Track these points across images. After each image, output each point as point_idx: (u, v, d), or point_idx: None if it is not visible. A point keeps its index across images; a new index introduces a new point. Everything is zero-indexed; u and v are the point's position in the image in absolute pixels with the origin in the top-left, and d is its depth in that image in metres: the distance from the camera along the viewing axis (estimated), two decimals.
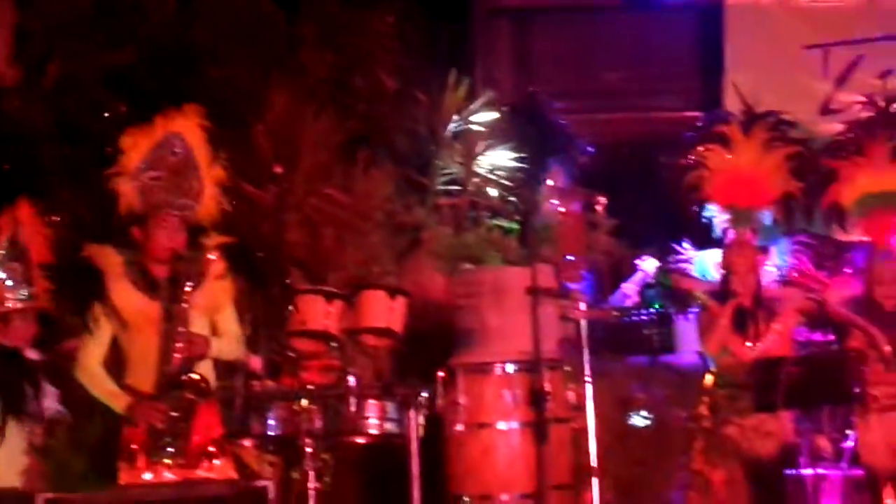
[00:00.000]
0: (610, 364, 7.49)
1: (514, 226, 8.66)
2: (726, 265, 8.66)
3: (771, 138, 9.41)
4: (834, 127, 11.53)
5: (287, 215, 8.27)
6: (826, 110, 12.46)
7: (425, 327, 7.76)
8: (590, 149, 11.19)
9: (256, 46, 9.39)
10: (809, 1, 12.32)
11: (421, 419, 6.83)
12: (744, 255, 8.64)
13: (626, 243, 9.40)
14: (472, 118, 9.60)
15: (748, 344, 8.45)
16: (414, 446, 6.71)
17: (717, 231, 9.29)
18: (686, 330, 9.34)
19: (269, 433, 6.73)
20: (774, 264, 9.61)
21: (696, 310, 8.83)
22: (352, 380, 6.75)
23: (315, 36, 9.57)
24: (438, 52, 10.26)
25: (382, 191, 8.83)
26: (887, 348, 8.34)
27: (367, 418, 6.76)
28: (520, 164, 9.60)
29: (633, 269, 10.46)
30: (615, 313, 8.76)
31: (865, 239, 8.95)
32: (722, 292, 8.57)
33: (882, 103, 11.09)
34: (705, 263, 9.84)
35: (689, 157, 9.61)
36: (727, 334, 8.43)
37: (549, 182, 10.09)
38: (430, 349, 7.55)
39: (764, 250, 9.38)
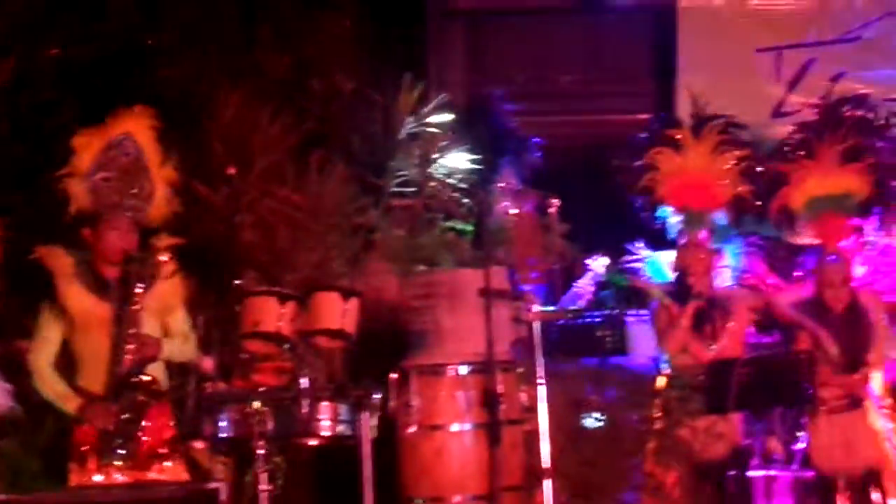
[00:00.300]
0: (562, 366, 7.50)
1: (468, 228, 8.65)
2: (681, 266, 8.70)
3: (721, 142, 9.46)
4: (786, 130, 11.60)
5: (240, 216, 8.23)
6: (778, 113, 12.53)
7: (378, 329, 7.75)
8: (543, 151, 11.20)
9: (211, 47, 9.36)
10: (762, 4, 12.36)
11: (373, 421, 6.83)
12: (699, 256, 8.69)
13: (578, 245, 9.42)
14: (426, 120, 9.59)
15: (711, 346, 8.50)
16: (366, 448, 6.70)
17: (672, 232, 9.35)
18: (638, 331, 9.37)
19: (221, 435, 6.71)
20: (727, 265, 9.65)
21: (649, 311, 8.87)
22: (304, 382, 6.73)
23: (271, 38, 9.56)
24: (393, 55, 10.25)
25: (336, 192, 8.81)
26: (834, 350, 8.40)
27: (320, 420, 6.75)
28: (473, 166, 9.58)
29: (586, 270, 10.49)
30: (568, 315, 8.77)
31: (815, 241, 9.02)
32: (678, 293, 8.61)
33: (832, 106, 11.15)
34: (659, 264, 9.87)
35: (641, 159, 9.63)
36: (687, 335, 8.47)
37: (503, 184, 10.12)
38: (384, 351, 7.55)
39: (717, 252, 9.44)
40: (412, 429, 7.11)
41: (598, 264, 10.36)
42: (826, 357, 8.42)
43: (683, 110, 10.66)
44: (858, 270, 9.31)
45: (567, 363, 7.67)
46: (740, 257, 9.71)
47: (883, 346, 8.66)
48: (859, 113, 10.30)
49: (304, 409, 6.67)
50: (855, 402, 8.49)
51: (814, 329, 8.45)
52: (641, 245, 10.09)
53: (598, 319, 8.81)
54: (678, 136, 9.44)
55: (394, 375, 7.14)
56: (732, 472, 8.65)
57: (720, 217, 9.50)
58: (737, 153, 9.53)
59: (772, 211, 9.67)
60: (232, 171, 8.04)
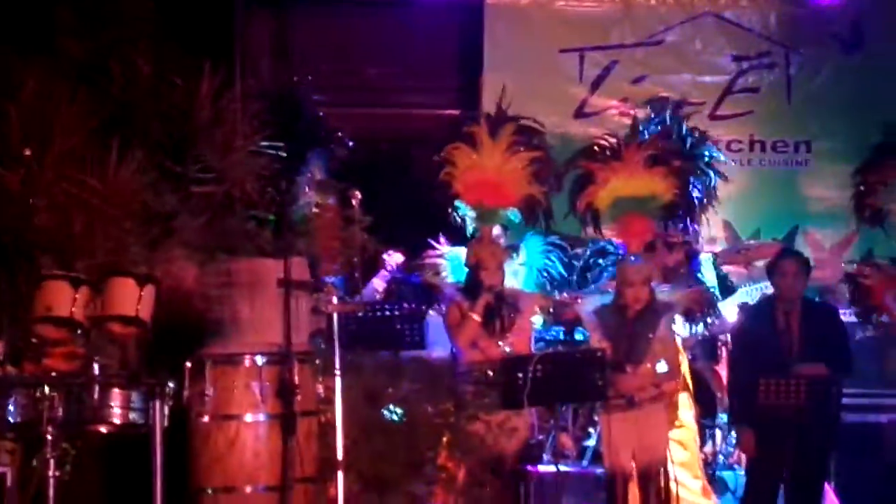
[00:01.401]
0: (360, 358, 7.50)
1: (269, 217, 8.60)
2: (474, 262, 8.78)
3: (515, 142, 9.58)
4: (588, 130, 11.80)
5: (36, 199, 8.06)
6: (581, 114, 12.72)
7: (174, 317, 7.66)
8: (348, 143, 11.21)
9: (11, 27, 9.14)
10: (567, 4, 12.54)
11: (166, 410, 6.76)
12: (491, 251, 8.78)
13: (381, 238, 9.45)
14: (230, 108, 9.51)
15: (499, 342, 8.58)
16: (158, 437, 6.64)
17: (470, 228, 9.43)
18: (436, 325, 9.43)
19: (9, 420, 6.58)
20: (524, 264, 9.77)
21: (445, 306, 8.94)
22: (96, 368, 6.64)
23: (71, 18, 9.37)
24: (198, 40, 10.12)
25: (135, 178, 8.67)
26: (608, 352, 8.55)
27: (111, 407, 6.68)
28: (277, 156, 9.54)
29: (384, 264, 10.54)
30: (367, 307, 8.78)
31: (618, 241, 9.18)
32: (469, 288, 8.69)
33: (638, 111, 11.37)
34: (458, 260, 9.97)
35: (440, 155, 9.71)
36: (477, 330, 8.54)
37: (307, 175, 10.09)
38: (179, 339, 7.46)
39: (513, 248, 9.55)
40: (205, 418, 7.05)
41: (394, 259, 10.41)
42: (616, 357, 8.58)
43: (488, 107, 10.78)
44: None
45: (365, 356, 7.66)
46: (537, 255, 9.84)
47: (673, 347, 8.84)
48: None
49: (95, 396, 6.59)
50: (642, 400, 8.64)
51: (594, 330, 8.62)
52: (443, 241, 10.17)
53: (397, 313, 8.84)
54: (475, 134, 9.53)
55: (189, 364, 7.07)
56: (524, 467, 8.76)
57: (514, 215, 9.62)
58: (530, 154, 9.65)
59: (578, 209, 9.83)
60: (27, 152, 7.87)
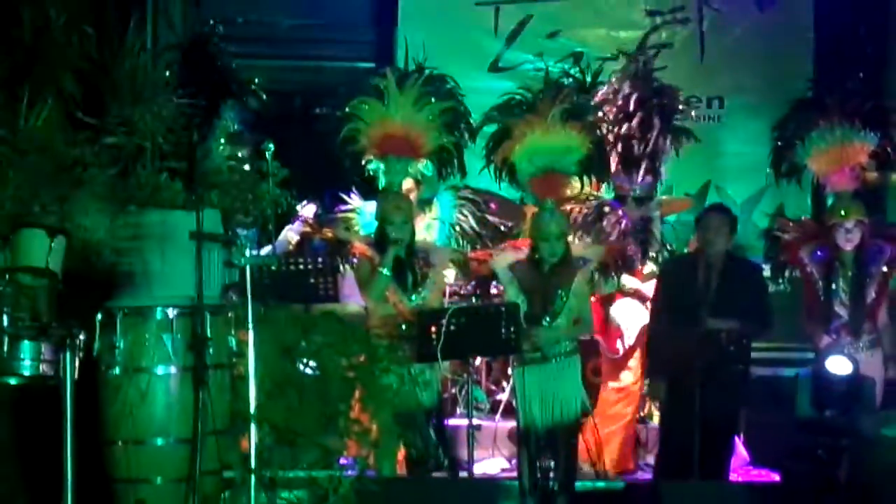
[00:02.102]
0: (273, 311, 7.47)
1: (182, 169, 8.52)
2: (382, 215, 8.77)
3: (424, 93, 9.55)
4: (503, 84, 11.81)
5: None
6: (496, 68, 12.74)
7: (85, 269, 7.59)
8: (262, 95, 11.13)
9: None
10: None
11: (77, 362, 6.71)
12: (396, 205, 8.77)
13: (294, 191, 9.40)
14: (142, 59, 9.40)
15: (411, 297, 8.59)
16: (68, 389, 6.59)
17: (382, 182, 9.42)
18: (350, 279, 9.41)
19: None
20: (438, 218, 9.76)
21: (354, 259, 8.93)
22: (6, 319, 6.58)
23: None
24: None
25: (46, 128, 8.56)
26: (524, 306, 8.58)
27: (21, 359, 6.61)
28: (190, 108, 9.44)
29: (298, 217, 10.49)
30: (281, 260, 8.74)
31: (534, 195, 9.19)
32: (379, 242, 8.68)
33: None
34: (369, 213, 9.96)
35: (344, 109, 9.66)
36: (387, 284, 8.55)
37: (219, 127, 10.01)
38: (90, 291, 7.40)
39: (426, 203, 9.54)
40: (116, 370, 7.01)
41: (308, 211, 10.37)
42: (530, 311, 8.62)
43: (403, 61, 10.74)
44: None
45: (278, 309, 7.63)
46: (452, 209, 9.83)
47: (587, 301, 8.89)
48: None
49: (5, 348, 6.53)
50: (556, 354, 8.69)
51: (515, 293, 8.65)
52: (354, 195, 10.14)
53: (310, 266, 8.82)
54: (382, 87, 9.49)
55: (99, 316, 7.01)
56: (437, 421, 8.80)
57: (428, 168, 9.60)
58: (441, 105, 9.63)
59: (495, 163, 9.83)
60: None
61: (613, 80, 10.36)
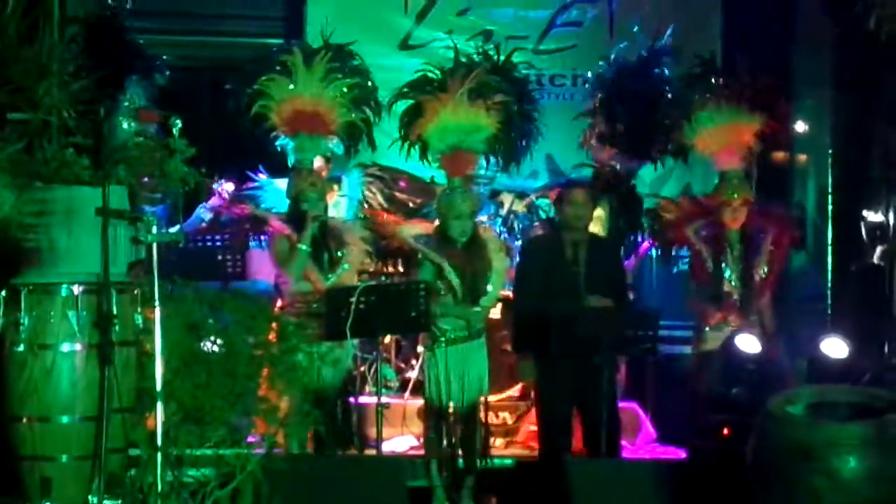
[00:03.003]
0: (181, 288, 7.43)
1: (88, 145, 8.44)
2: (295, 192, 8.74)
3: (332, 69, 9.51)
4: (413, 62, 11.82)
5: None
6: (406, 45, 12.73)
7: None
8: (169, 71, 11.04)
9: None
10: None
11: None
12: (310, 182, 8.75)
13: (202, 168, 9.35)
14: (45, 31, 9.28)
15: (328, 275, 8.57)
16: None
17: (291, 159, 9.38)
18: (257, 256, 9.38)
19: None
20: (346, 195, 9.75)
21: (267, 237, 8.89)
22: None
23: None
24: None
25: None
26: (454, 281, 8.60)
27: None
28: (95, 82, 9.35)
29: (209, 194, 10.44)
30: (188, 238, 8.70)
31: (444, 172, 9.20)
32: (293, 220, 8.65)
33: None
34: (278, 191, 9.92)
35: (252, 86, 9.60)
36: (307, 261, 8.52)
37: (126, 102, 9.92)
38: None
39: (335, 180, 9.52)
40: (20, 347, 6.94)
41: (227, 187, 10.33)
42: (450, 288, 8.62)
43: (313, 37, 10.71)
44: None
45: (186, 286, 7.59)
46: (360, 186, 9.82)
47: (501, 280, 8.91)
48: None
49: None
50: (473, 333, 8.71)
51: (437, 260, 8.64)
52: (262, 172, 10.10)
53: (218, 243, 8.78)
54: (290, 63, 9.44)
55: (3, 293, 6.94)
56: (346, 398, 8.80)
57: (337, 146, 9.58)
58: (348, 82, 9.61)
59: (408, 140, 9.84)
60: None
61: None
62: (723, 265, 9.12)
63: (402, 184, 10.26)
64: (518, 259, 9.41)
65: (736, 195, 9.12)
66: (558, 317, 8.51)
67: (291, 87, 9.30)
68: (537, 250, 9.30)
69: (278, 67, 9.51)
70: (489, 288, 8.73)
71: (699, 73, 10.63)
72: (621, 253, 9.71)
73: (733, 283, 9.12)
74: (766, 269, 9.15)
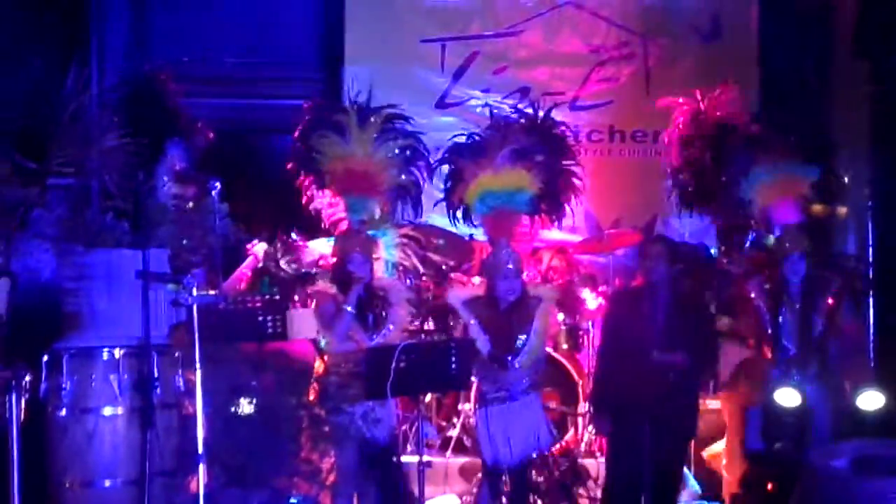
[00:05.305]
0: (221, 350, 7.44)
1: (128, 209, 8.49)
2: (342, 253, 8.73)
3: (384, 130, 9.55)
4: (451, 120, 11.86)
5: None
6: (443, 104, 12.77)
7: (31, 310, 7.55)
8: (209, 134, 11.10)
9: None
10: None
11: (23, 403, 6.66)
12: (359, 243, 8.75)
13: (240, 230, 9.39)
14: (88, 99, 9.36)
15: (372, 335, 8.56)
16: (15, 431, 6.54)
17: (325, 221, 9.41)
18: (298, 316, 9.38)
19: None
20: (381, 256, 9.74)
21: (312, 297, 8.89)
22: None
23: None
24: (52, 27, 9.95)
25: None
26: (484, 344, 8.57)
27: None
28: (136, 147, 9.42)
29: (246, 255, 10.46)
30: (228, 299, 8.70)
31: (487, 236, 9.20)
32: (338, 280, 8.64)
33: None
34: (313, 252, 9.94)
35: (304, 143, 9.63)
36: (352, 323, 8.50)
37: (165, 166, 9.97)
38: (36, 333, 7.35)
39: (374, 240, 9.52)
40: (63, 412, 6.96)
41: (259, 249, 10.35)
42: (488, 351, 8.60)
43: (350, 98, 10.73)
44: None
45: (226, 347, 7.60)
46: (394, 249, 9.81)
47: (539, 339, 8.88)
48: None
49: None
50: (517, 393, 8.66)
51: (467, 323, 8.62)
52: (296, 234, 10.12)
53: (258, 304, 8.77)
54: (343, 121, 9.47)
55: (46, 357, 6.97)
56: (388, 458, 8.76)
57: (374, 207, 9.59)
58: (399, 143, 9.64)
59: (450, 205, 9.86)
60: None
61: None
62: (781, 320, 9.04)
63: (439, 242, 10.26)
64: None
65: (795, 248, 9.06)
66: (600, 371, 8.42)
67: (344, 146, 9.33)
68: (616, 305, 9.30)
69: (328, 126, 9.54)
70: (524, 349, 8.65)
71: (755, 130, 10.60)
72: (707, 309, 9.58)
73: (792, 338, 9.03)
74: (824, 323, 9.06)
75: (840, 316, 9.16)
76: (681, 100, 11.23)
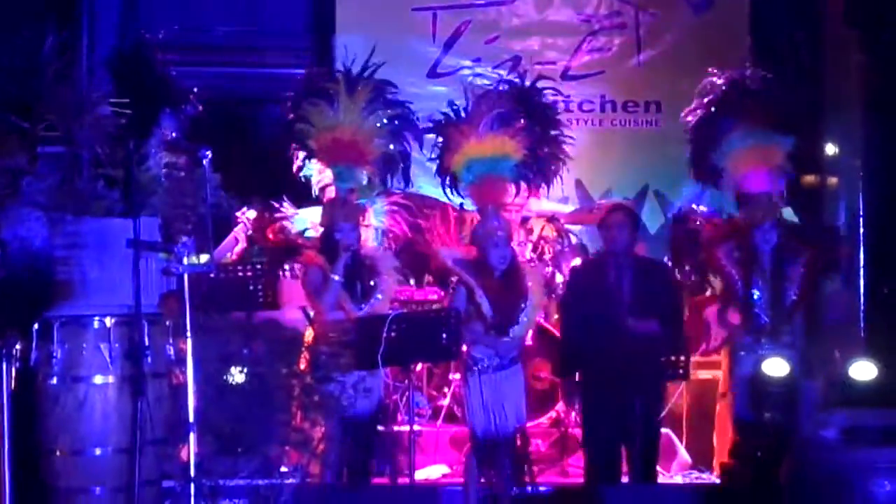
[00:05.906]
0: (212, 319, 7.44)
1: (119, 177, 8.48)
2: (329, 222, 8.72)
3: (373, 99, 9.53)
4: (442, 90, 11.85)
5: None
6: (435, 73, 12.75)
7: (22, 278, 7.54)
8: (199, 103, 11.08)
9: None
10: None
11: (13, 371, 6.67)
12: (346, 212, 8.74)
13: (231, 198, 9.39)
14: (77, 66, 9.33)
15: (361, 305, 8.56)
16: (5, 399, 6.55)
17: (315, 190, 9.40)
18: (289, 285, 9.38)
19: None
20: (371, 224, 9.74)
21: (301, 266, 8.89)
22: None
23: None
24: None
25: None
26: (487, 309, 8.56)
27: None
28: (127, 116, 9.40)
29: (236, 224, 10.47)
30: (219, 267, 8.69)
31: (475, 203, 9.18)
32: (325, 249, 8.64)
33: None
34: (304, 221, 9.93)
35: (294, 112, 9.61)
36: (340, 292, 8.51)
37: (157, 135, 9.95)
38: (27, 301, 7.35)
39: (361, 209, 9.51)
40: (54, 380, 6.96)
41: (250, 216, 10.35)
42: (480, 315, 8.58)
43: (341, 67, 10.71)
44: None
45: (217, 316, 7.60)
46: (383, 216, 9.80)
47: (534, 313, 8.87)
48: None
49: None
50: (507, 362, 8.66)
51: (471, 285, 8.60)
52: (285, 202, 10.12)
53: (249, 273, 8.77)
54: (331, 90, 9.45)
55: (36, 326, 6.97)
56: (379, 427, 8.77)
57: (363, 175, 9.57)
58: (388, 112, 9.62)
59: (437, 173, 9.85)
60: None
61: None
62: (753, 289, 9.05)
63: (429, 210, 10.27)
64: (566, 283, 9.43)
65: (767, 217, 9.06)
66: (571, 340, 8.44)
67: (333, 115, 9.31)
68: (581, 275, 9.31)
69: (317, 95, 9.51)
70: (523, 319, 8.66)
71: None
72: (672, 276, 9.59)
73: (764, 308, 9.04)
74: (796, 293, 9.07)
75: (812, 286, 9.17)
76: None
